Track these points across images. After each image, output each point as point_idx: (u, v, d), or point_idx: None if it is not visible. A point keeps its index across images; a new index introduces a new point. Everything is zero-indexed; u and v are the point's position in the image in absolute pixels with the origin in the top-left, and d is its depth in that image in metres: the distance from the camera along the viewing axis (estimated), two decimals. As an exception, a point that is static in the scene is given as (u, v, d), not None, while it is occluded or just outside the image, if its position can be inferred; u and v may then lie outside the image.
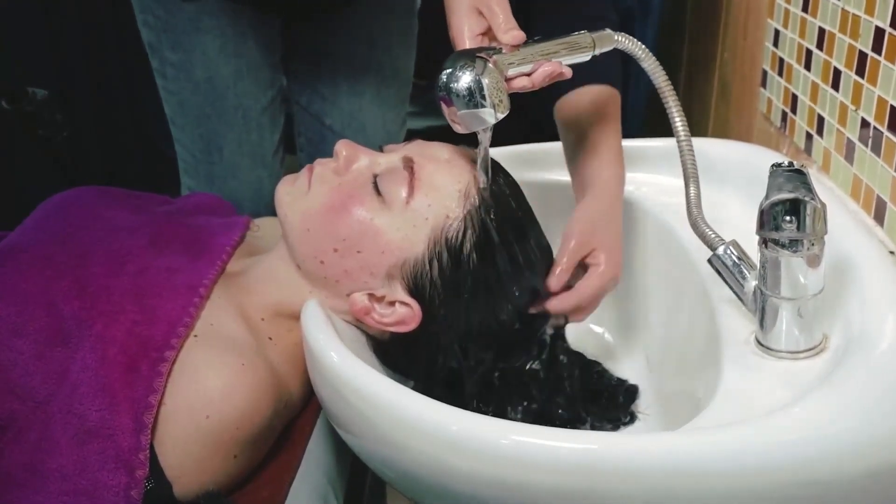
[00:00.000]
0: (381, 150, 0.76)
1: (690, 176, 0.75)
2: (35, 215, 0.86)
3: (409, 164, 0.73)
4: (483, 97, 0.64)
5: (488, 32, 0.71)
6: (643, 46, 0.74)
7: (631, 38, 0.74)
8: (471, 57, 0.65)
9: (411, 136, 0.81)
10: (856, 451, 0.55)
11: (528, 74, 0.68)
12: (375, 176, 0.73)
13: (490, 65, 0.65)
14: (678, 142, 0.75)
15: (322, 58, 1.16)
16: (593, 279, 0.78)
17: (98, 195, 0.89)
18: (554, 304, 0.78)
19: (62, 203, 0.87)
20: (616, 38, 0.73)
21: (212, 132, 1.13)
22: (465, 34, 0.70)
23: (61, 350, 0.69)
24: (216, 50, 1.08)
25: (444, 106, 0.66)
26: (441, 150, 0.75)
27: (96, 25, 1.70)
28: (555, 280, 0.77)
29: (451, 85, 0.65)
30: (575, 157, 0.84)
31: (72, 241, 0.78)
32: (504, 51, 0.67)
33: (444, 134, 0.77)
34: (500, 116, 0.66)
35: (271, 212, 0.79)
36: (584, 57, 0.72)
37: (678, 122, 0.75)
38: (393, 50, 1.18)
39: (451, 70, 0.65)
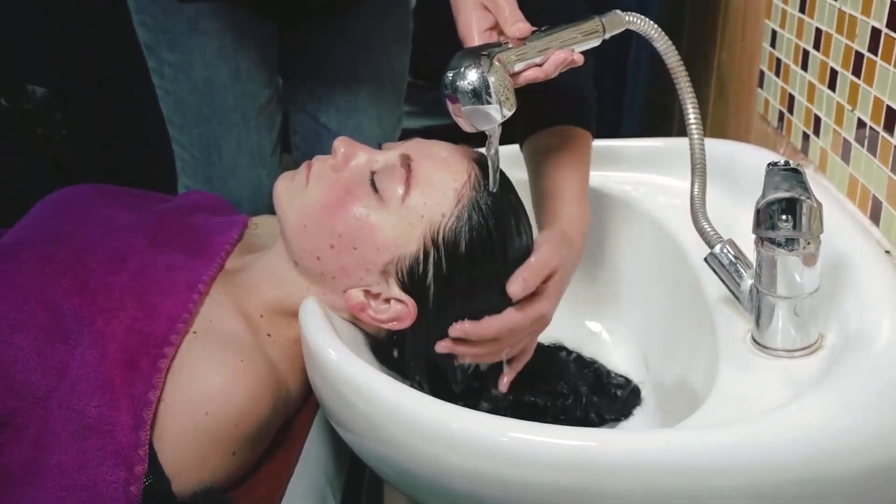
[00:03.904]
0: (379, 147, 0.77)
1: (697, 163, 0.74)
2: (34, 213, 0.87)
3: (406, 162, 0.73)
4: (489, 96, 0.64)
5: (496, 27, 0.70)
6: (655, 26, 0.73)
7: (643, 17, 0.73)
8: (476, 55, 0.65)
9: (409, 135, 0.81)
10: (852, 448, 0.55)
11: (540, 65, 0.68)
12: (373, 173, 0.73)
13: (496, 62, 0.64)
14: (687, 124, 0.74)
15: (318, 57, 1.16)
16: (526, 311, 0.73)
17: (97, 193, 0.89)
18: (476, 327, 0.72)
19: (61, 201, 0.87)
20: (627, 18, 0.72)
21: (210, 132, 1.13)
22: (474, 30, 0.70)
23: (61, 347, 0.69)
24: (214, 50, 1.08)
25: (450, 105, 0.66)
26: (439, 148, 0.75)
27: (96, 24, 1.70)
28: (520, 287, 0.71)
29: (458, 84, 0.64)
30: (541, 196, 0.81)
31: (71, 239, 0.78)
32: (510, 45, 0.67)
33: (442, 134, 0.78)
34: (507, 114, 0.66)
35: (270, 211, 0.79)
36: (595, 42, 0.71)
37: (689, 106, 0.74)
38: (389, 49, 1.18)
39: (456, 69, 0.64)
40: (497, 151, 0.70)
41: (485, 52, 0.65)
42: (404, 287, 0.72)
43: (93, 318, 0.70)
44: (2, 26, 1.64)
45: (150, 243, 0.79)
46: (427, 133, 0.82)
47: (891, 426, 0.56)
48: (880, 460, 0.56)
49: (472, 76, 0.64)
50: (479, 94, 0.64)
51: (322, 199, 0.73)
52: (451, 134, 0.73)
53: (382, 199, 0.71)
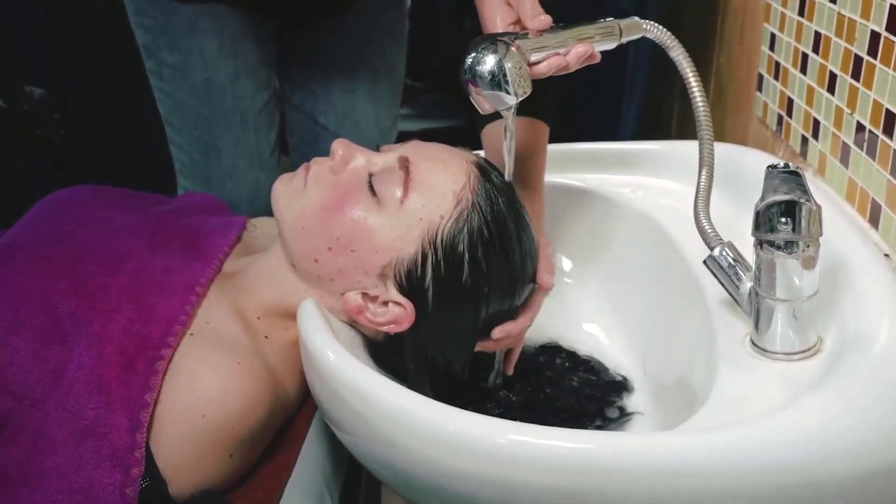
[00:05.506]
0: (377, 149, 0.76)
1: (705, 163, 0.75)
2: (32, 214, 0.86)
3: (404, 164, 0.73)
4: (506, 80, 0.67)
5: (518, 22, 0.73)
6: (671, 35, 0.74)
7: (659, 26, 0.74)
8: (493, 40, 0.68)
9: (407, 138, 0.81)
10: (851, 451, 0.55)
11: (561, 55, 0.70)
12: (371, 175, 0.73)
13: (513, 48, 0.67)
14: (699, 130, 0.75)
15: (316, 57, 1.17)
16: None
17: (95, 194, 0.89)
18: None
19: (59, 202, 0.87)
20: (644, 26, 0.74)
21: (209, 133, 1.13)
22: (498, 26, 0.73)
23: (58, 348, 0.69)
24: (214, 51, 1.08)
25: (470, 87, 0.69)
26: (437, 151, 0.75)
27: (96, 24, 1.70)
28: (550, 278, 0.78)
29: (476, 68, 0.67)
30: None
31: (70, 240, 0.78)
32: (530, 35, 0.69)
33: (440, 136, 0.78)
34: (522, 98, 0.69)
35: (268, 212, 0.79)
36: (611, 44, 0.73)
37: (702, 114, 0.74)
38: (385, 48, 1.19)
39: (475, 54, 0.67)
40: (513, 137, 0.73)
41: (502, 38, 0.68)
42: (402, 290, 0.72)
43: (90, 320, 0.70)
44: (2, 26, 1.64)
45: (148, 244, 0.79)
46: (425, 135, 0.82)
47: (890, 428, 0.56)
48: (880, 462, 0.56)
49: (489, 61, 0.67)
50: (496, 78, 0.67)
51: (320, 201, 0.73)
52: (449, 136, 0.73)
53: (380, 201, 0.71)
